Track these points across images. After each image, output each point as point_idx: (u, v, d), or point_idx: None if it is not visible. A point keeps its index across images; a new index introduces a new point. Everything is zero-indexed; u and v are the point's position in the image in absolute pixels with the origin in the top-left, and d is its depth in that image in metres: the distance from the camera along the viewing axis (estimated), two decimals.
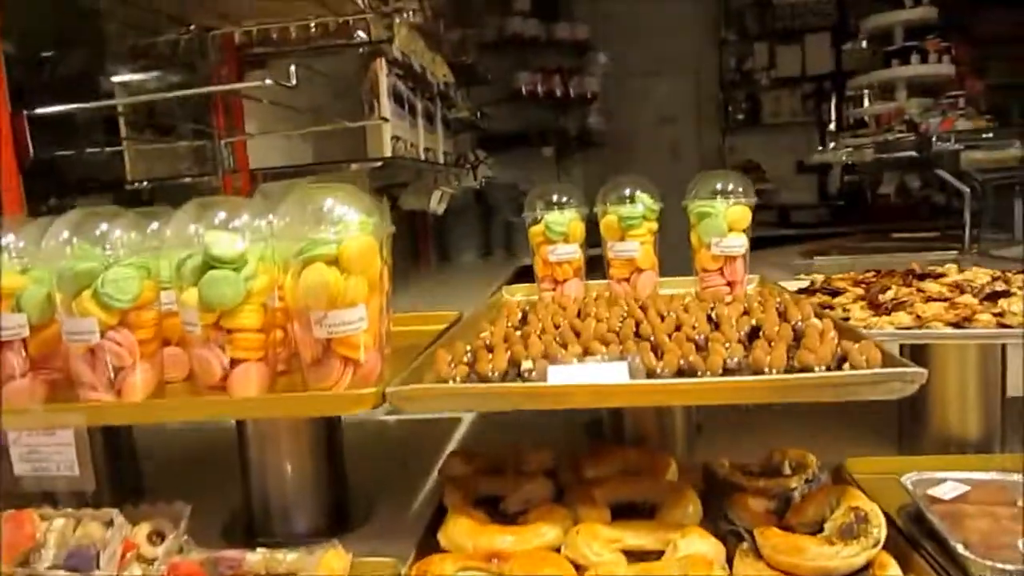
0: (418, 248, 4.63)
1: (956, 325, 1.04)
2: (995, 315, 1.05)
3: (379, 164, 2.62)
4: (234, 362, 0.90)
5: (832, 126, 6.19)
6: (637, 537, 0.84)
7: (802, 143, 6.25)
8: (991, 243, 3.07)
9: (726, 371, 0.84)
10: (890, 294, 1.20)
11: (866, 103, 4.24)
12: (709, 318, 1.09)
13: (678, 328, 1.04)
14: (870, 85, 4.08)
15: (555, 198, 1.50)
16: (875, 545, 0.77)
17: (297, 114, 2.56)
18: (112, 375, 0.91)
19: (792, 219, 5.91)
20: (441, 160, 3.52)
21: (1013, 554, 0.72)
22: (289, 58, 2.51)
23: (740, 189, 1.41)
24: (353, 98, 2.73)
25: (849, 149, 3.77)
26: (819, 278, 1.40)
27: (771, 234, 5.02)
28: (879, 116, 4.10)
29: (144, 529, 0.90)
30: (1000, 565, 0.73)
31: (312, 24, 2.50)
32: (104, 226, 0.90)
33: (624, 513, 0.92)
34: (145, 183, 2.49)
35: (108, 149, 2.34)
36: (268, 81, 1.63)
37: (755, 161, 6.55)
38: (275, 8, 2.29)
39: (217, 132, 2.42)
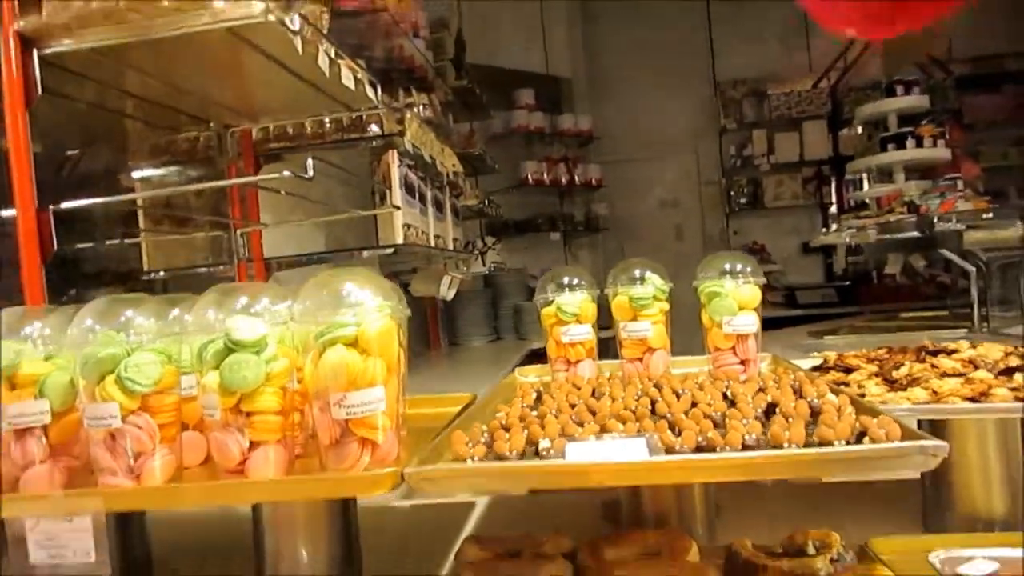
0: (428, 333, 4.65)
1: (973, 400, 1.04)
2: (1011, 390, 1.05)
3: (391, 251, 2.68)
4: (253, 445, 0.90)
5: (834, 208, 6.31)
6: None
7: (805, 225, 6.36)
8: (1000, 321, 3.07)
9: (745, 447, 0.84)
10: (904, 370, 1.20)
11: (866, 186, 4.34)
12: (724, 396, 1.09)
13: (694, 406, 1.04)
14: (868, 169, 4.19)
15: (566, 280, 1.53)
16: None
17: (310, 205, 2.63)
18: (132, 460, 0.91)
19: (799, 300, 5.93)
20: (451, 246, 3.59)
21: None
22: (304, 152, 2.62)
23: (748, 269, 1.44)
24: (364, 188, 2.83)
25: (852, 230, 3.82)
26: (832, 355, 1.40)
27: (779, 315, 5.05)
28: (879, 198, 4.18)
29: None
30: None
31: (327, 120, 2.62)
32: (128, 313, 0.92)
33: None
34: (162, 273, 2.55)
35: (127, 241, 2.41)
36: (286, 173, 1.69)
37: (759, 243, 6.64)
38: (291, 105, 2.39)
39: (233, 222, 2.49)
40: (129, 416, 0.90)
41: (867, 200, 4.30)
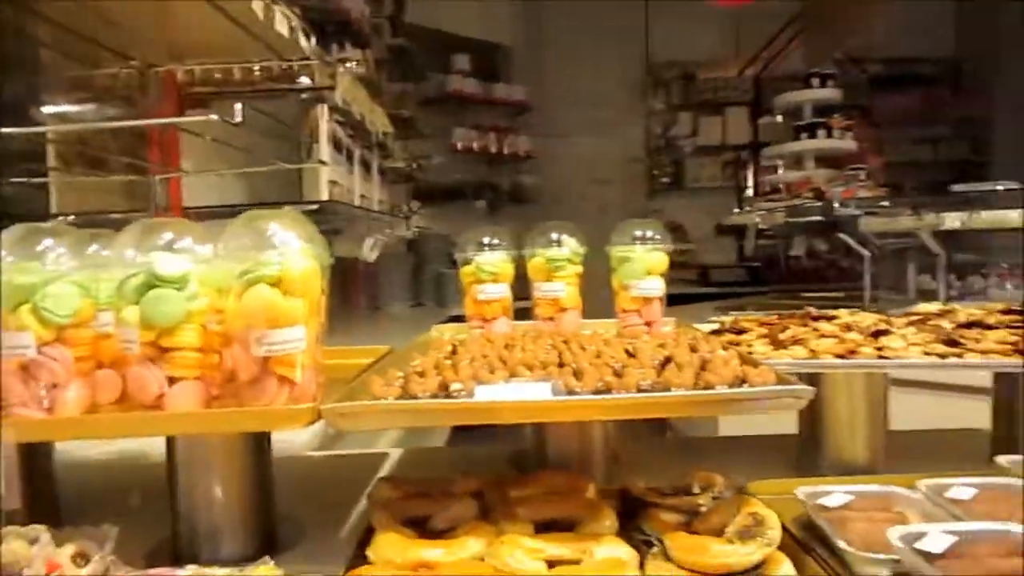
0: (349, 295, 4.63)
1: (843, 357, 1.17)
2: (877, 349, 1.18)
3: (315, 207, 2.66)
4: (172, 380, 0.92)
5: (750, 191, 6.58)
6: (558, 548, 0.89)
7: (722, 207, 6.59)
8: (888, 303, 3.32)
9: (639, 391, 0.92)
10: (789, 332, 1.31)
11: (780, 172, 4.56)
12: (627, 351, 1.17)
13: (598, 357, 1.12)
14: (782, 155, 4.40)
15: (486, 240, 1.59)
16: (769, 545, 0.86)
17: (234, 155, 2.58)
18: (44, 392, 0.92)
19: (711, 279, 6.19)
20: (376, 208, 3.58)
21: (887, 548, 0.81)
22: (230, 99, 2.56)
23: (657, 236, 1.53)
24: (291, 142, 2.78)
25: (763, 212, 4.03)
26: (728, 320, 1.52)
27: (691, 291, 5.26)
28: (790, 184, 4.41)
29: (68, 550, 0.89)
30: (872, 555, 0.82)
31: (256, 67, 2.56)
32: (47, 242, 0.92)
33: (546, 530, 0.98)
34: (71, 217, 2.45)
35: (34, 180, 2.30)
36: (213, 116, 1.66)
37: (678, 222, 6.87)
38: (220, 48, 2.33)
39: (151, 167, 2.42)
40: (44, 347, 0.90)
41: (780, 185, 4.52)
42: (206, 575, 0.84)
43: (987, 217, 3.06)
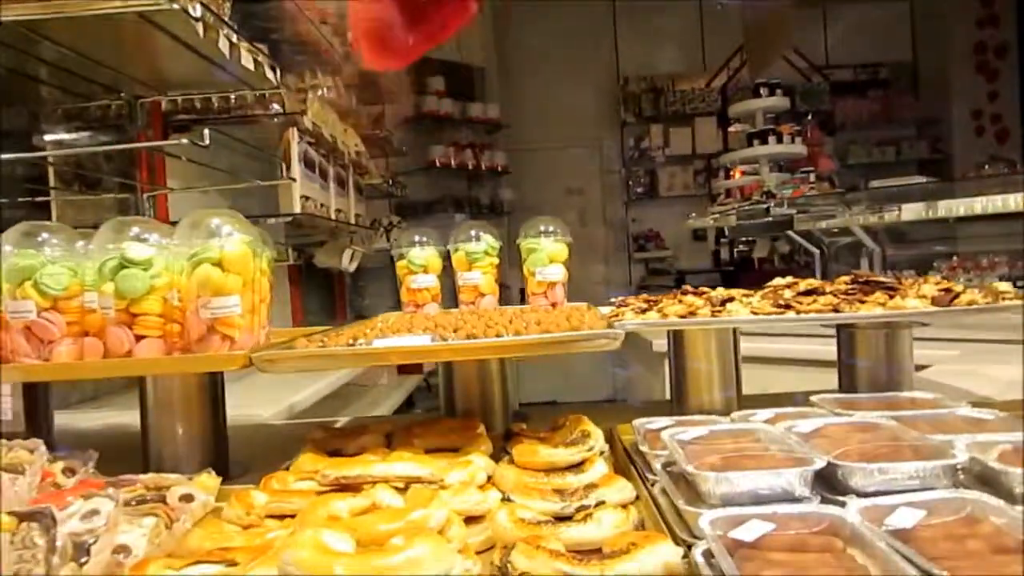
0: (334, 304, 4.93)
1: (683, 318, 1.45)
2: (714, 312, 1.46)
3: (289, 219, 2.97)
4: (138, 338, 1.21)
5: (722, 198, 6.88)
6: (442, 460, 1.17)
7: (694, 214, 6.90)
8: None
9: (498, 337, 1.20)
10: (659, 305, 1.59)
11: (735, 177, 4.86)
12: (510, 320, 1.46)
13: (488, 324, 1.40)
14: (732, 162, 4.69)
15: (416, 238, 1.88)
16: (590, 450, 1.13)
17: (219, 175, 2.90)
18: (42, 348, 1.21)
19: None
20: (352, 221, 3.88)
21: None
22: (210, 125, 2.88)
23: (559, 230, 1.82)
24: (273, 163, 3.09)
25: (716, 215, 4.31)
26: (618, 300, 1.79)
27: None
28: (743, 188, 4.69)
29: (59, 465, 1.17)
30: (657, 452, 1.09)
31: (232, 95, 2.87)
32: (44, 235, 1.22)
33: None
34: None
35: (37, 199, 2.61)
36: (184, 140, 1.96)
37: (655, 230, 7.16)
38: (198, 81, 2.64)
39: (140, 186, 2.73)
40: (43, 312, 1.19)
41: (733, 189, 4.81)
42: (159, 480, 1.11)
43: (909, 212, 3.33)
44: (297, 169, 2.94)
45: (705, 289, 1.74)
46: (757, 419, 1.26)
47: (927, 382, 2.03)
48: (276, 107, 2.91)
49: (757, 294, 1.67)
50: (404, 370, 4.16)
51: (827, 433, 1.05)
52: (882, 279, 1.69)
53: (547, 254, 1.79)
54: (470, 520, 0.96)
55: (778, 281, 1.77)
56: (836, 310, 1.49)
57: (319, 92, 3.39)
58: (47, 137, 2.50)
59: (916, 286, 1.62)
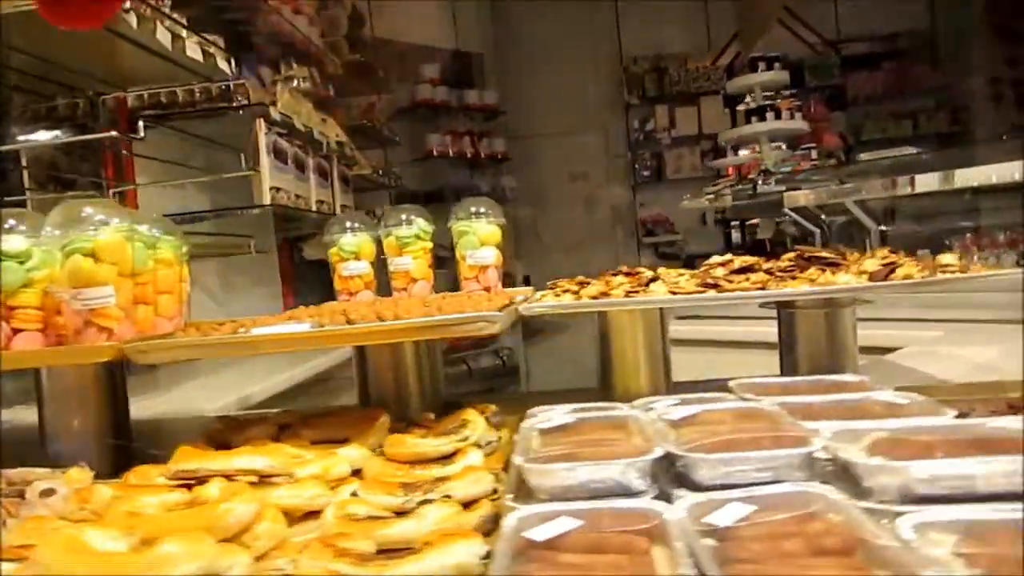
0: (330, 296, 4.92)
1: (596, 299, 1.38)
2: (630, 293, 1.39)
3: (257, 211, 2.95)
4: (16, 331, 1.19)
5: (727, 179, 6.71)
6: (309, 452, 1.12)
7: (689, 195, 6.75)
8: None
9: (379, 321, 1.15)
10: (588, 288, 1.52)
11: (730, 155, 4.72)
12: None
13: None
14: (729, 140, 4.55)
15: (348, 224, 1.83)
16: (464, 440, 1.08)
17: (191, 171, 2.90)
18: None
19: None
20: (337, 212, 3.85)
21: None
22: (178, 119, 2.88)
23: (491, 212, 1.76)
24: (247, 156, 3.07)
25: (711, 196, 4.19)
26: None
27: None
28: (742, 167, 4.56)
29: None
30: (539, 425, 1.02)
31: (196, 89, 2.86)
32: None
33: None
34: None
35: (8, 199, 2.63)
36: (113, 132, 1.94)
37: (663, 215, 7.03)
38: (155, 75, 2.62)
39: (107, 182, 2.73)
40: None
41: (728, 168, 4.67)
42: (26, 474, 1.09)
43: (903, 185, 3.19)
44: (265, 160, 2.92)
45: (641, 269, 1.67)
46: (660, 406, 1.19)
47: (889, 364, 1.93)
48: (240, 99, 2.89)
49: (687, 273, 1.60)
50: None
51: (701, 420, 0.98)
52: (825, 254, 1.61)
53: (479, 236, 1.73)
54: (310, 516, 0.91)
55: (715, 259, 1.69)
56: (764, 288, 1.41)
57: (292, 84, 3.36)
58: (20, 138, 2.51)
59: (860, 261, 1.53)
